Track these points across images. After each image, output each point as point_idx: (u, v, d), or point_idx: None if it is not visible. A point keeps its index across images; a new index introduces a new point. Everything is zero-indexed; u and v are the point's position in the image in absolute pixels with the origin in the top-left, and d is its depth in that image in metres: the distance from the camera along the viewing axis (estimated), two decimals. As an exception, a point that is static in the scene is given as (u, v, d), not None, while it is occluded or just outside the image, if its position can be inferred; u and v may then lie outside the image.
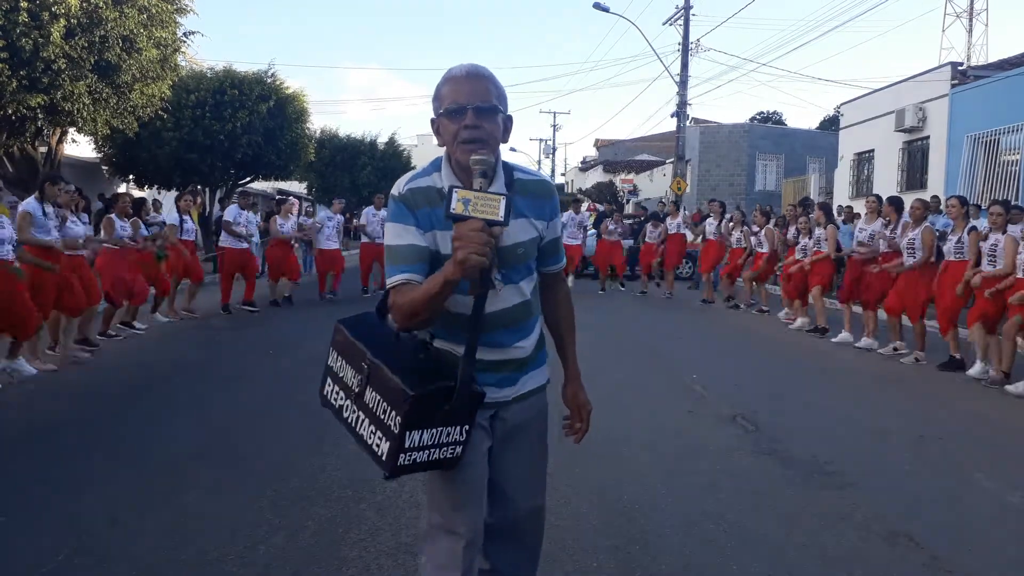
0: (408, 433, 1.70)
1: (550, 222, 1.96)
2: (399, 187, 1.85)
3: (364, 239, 12.85)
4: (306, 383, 6.32)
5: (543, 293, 2.06)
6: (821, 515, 3.64)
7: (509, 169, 1.88)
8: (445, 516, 1.87)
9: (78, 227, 7.24)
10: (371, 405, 1.79)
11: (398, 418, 1.70)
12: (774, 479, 4.16)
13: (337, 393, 1.93)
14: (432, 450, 1.75)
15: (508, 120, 1.85)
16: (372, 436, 1.79)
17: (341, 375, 1.91)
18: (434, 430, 1.74)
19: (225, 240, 10.70)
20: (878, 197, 9.17)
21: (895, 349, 8.01)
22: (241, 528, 3.34)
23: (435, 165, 1.87)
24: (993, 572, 3.14)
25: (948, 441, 5.03)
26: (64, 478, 3.98)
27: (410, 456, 1.73)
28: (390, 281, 1.77)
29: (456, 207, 1.58)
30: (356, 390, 1.83)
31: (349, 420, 1.88)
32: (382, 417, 1.75)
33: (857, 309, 9.01)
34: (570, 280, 13.87)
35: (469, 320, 1.77)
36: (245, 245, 10.74)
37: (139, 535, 3.28)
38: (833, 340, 8.95)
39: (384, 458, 1.74)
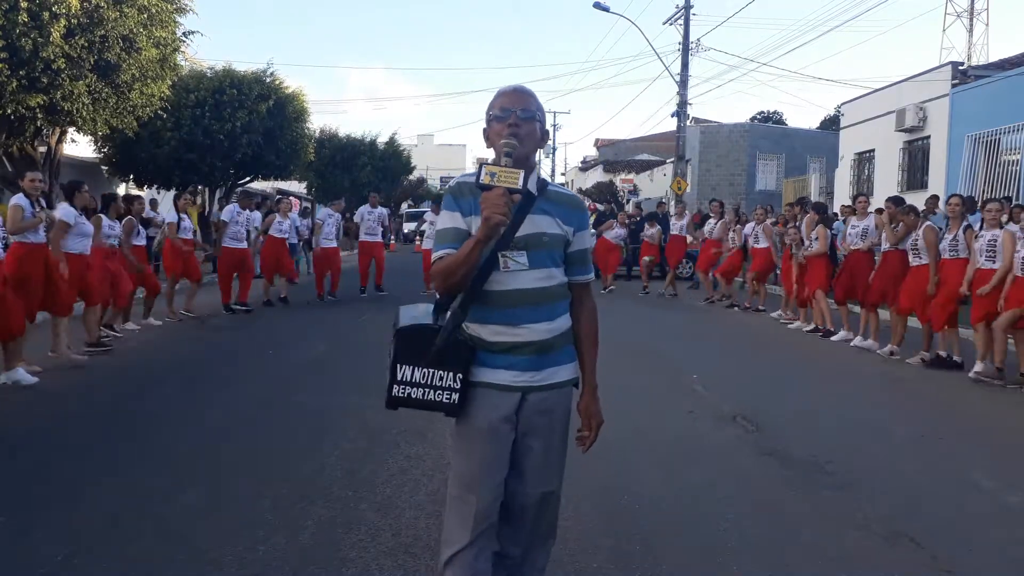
0: (399, 366, 2.07)
1: (577, 232, 2.18)
2: (452, 182, 2.18)
3: (363, 237, 12.86)
4: (305, 383, 6.35)
5: (571, 304, 2.23)
6: (821, 515, 3.64)
7: (544, 182, 2.16)
8: (462, 487, 2.10)
9: (87, 226, 7.43)
10: (390, 350, 2.15)
11: (393, 351, 2.07)
12: (774, 479, 4.16)
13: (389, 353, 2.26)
14: (426, 390, 2.07)
15: (545, 133, 2.17)
16: (388, 374, 2.12)
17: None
18: (425, 370, 2.06)
19: (226, 240, 10.63)
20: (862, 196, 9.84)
21: (891, 353, 7.97)
22: (241, 528, 3.34)
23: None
24: (993, 572, 3.15)
25: (948, 441, 5.03)
26: (64, 478, 3.98)
27: (403, 389, 2.08)
28: (435, 255, 2.08)
29: (484, 178, 1.95)
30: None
31: (389, 367, 2.17)
32: (390, 356, 2.10)
33: (855, 309, 9.01)
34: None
35: (471, 286, 2.04)
36: (244, 245, 10.70)
37: (139, 535, 3.28)
38: (831, 340, 8.94)
39: (386, 389, 2.10)
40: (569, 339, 2.20)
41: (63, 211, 7.04)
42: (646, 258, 14.28)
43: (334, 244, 12.43)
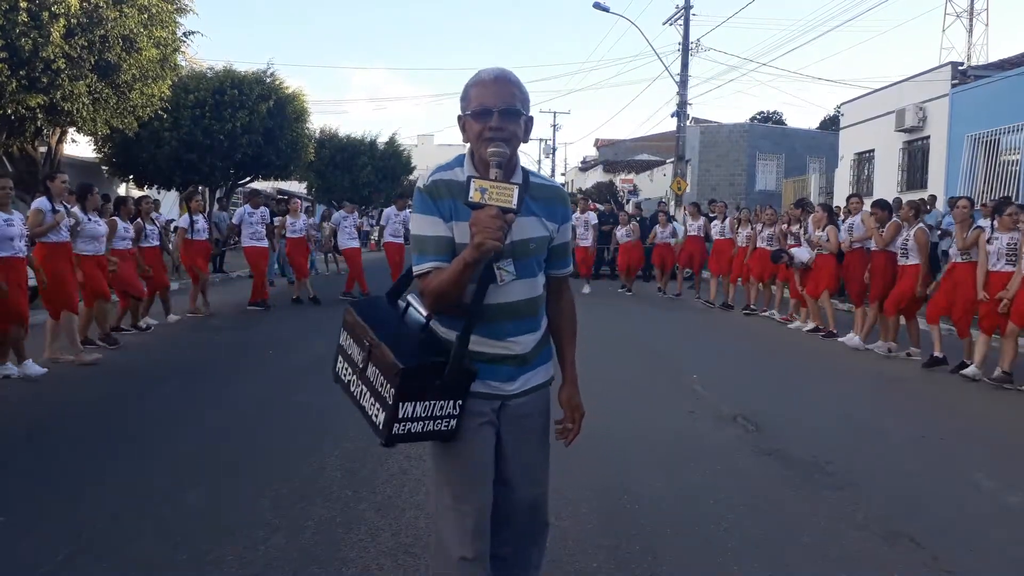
0: (401, 404, 1.84)
1: (560, 226, 2.06)
2: (424, 179, 1.95)
3: (387, 239, 13.12)
4: (306, 383, 6.34)
5: (548, 297, 2.13)
6: (821, 515, 3.63)
7: (526, 174, 1.98)
8: (454, 497, 1.96)
9: (101, 227, 7.67)
10: (372, 379, 1.94)
11: (392, 390, 1.84)
12: (774, 479, 4.16)
13: (346, 369, 2.09)
14: (426, 422, 1.89)
15: (529, 121, 1.96)
16: (372, 407, 1.93)
17: (349, 352, 2.06)
18: (427, 403, 1.87)
19: (247, 240, 11.02)
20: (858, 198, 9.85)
21: (902, 352, 7.94)
22: (241, 528, 3.34)
23: (459, 160, 1.97)
24: (993, 572, 3.15)
25: (948, 441, 5.04)
26: (64, 478, 3.98)
27: (404, 426, 1.87)
28: (419, 269, 1.90)
29: (474, 195, 1.73)
30: (360, 366, 1.99)
31: (355, 394, 2.03)
32: (380, 390, 1.90)
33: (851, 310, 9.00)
34: (586, 288, 13.94)
35: (470, 305, 1.88)
36: (265, 243, 11.15)
37: (139, 535, 3.28)
38: (840, 340, 8.91)
39: (380, 427, 1.89)
40: (547, 341, 2.12)
41: (36, 202, 7.08)
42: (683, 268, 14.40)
43: (356, 244, 12.89)
